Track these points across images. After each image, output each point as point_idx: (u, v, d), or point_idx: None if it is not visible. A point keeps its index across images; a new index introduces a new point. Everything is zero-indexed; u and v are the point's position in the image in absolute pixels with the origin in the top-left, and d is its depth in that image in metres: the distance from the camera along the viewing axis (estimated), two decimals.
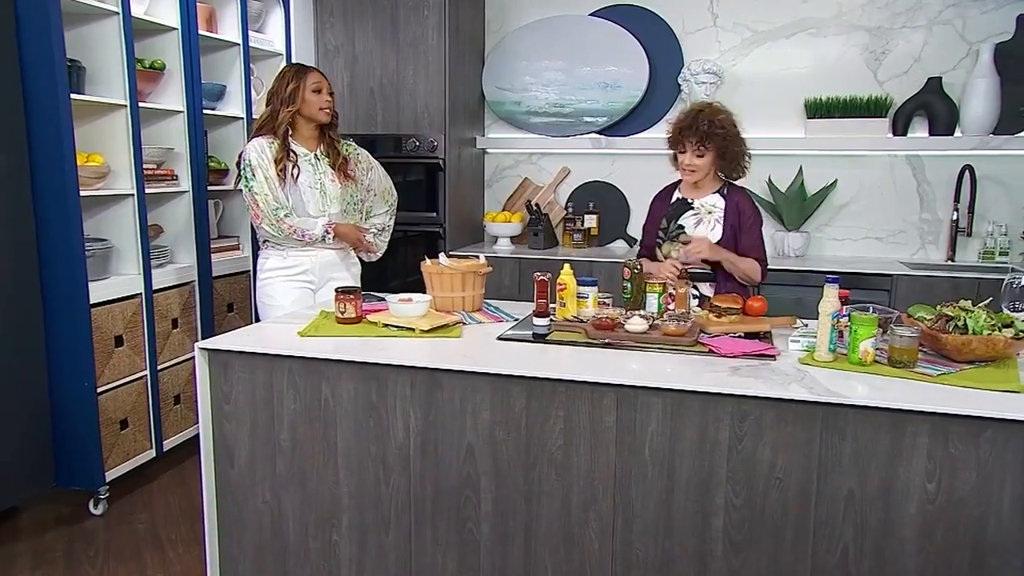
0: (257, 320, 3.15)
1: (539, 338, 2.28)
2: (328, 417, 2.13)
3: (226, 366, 2.21)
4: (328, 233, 2.93)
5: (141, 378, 3.22)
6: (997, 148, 3.85)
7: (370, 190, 3.12)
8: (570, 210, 4.52)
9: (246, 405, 2.21)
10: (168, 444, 3.38)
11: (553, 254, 4.22)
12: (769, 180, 4.20)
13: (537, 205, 4.40)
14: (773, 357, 2.02)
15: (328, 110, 2.94)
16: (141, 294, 3.18)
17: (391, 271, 4.36)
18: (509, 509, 2.02)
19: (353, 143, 3.14)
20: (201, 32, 3.47)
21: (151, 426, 3.27)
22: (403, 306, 2.38)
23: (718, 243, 2.71)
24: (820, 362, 1.97)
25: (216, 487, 2.27)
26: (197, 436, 3.50)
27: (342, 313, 2.43)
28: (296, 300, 2.94)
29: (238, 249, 3.86)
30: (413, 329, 2.32)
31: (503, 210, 4.66)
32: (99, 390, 2.99)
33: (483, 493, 2.03)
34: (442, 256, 2.70)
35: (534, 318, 2.36)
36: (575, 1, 4.43)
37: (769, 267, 3.77)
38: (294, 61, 4.07)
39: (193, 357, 3.47)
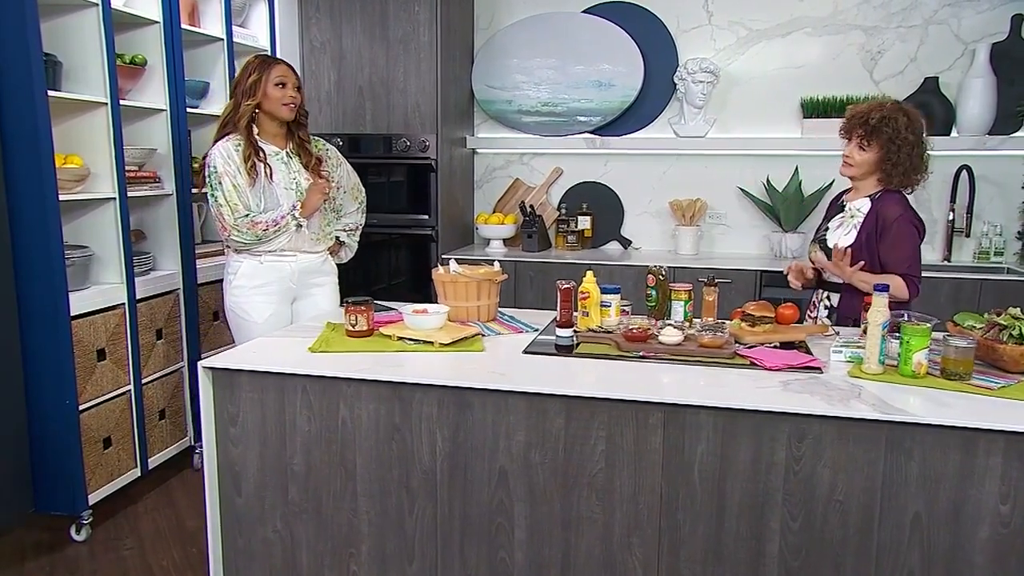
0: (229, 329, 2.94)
1: (563, 350, 2.16)
2: (346, 439, 1.99)
3: (232, 386, 2.04)
4: (295, 208, 2.71)
5: (125, 393, 3.01)
6: (993, 148, 3.83)
7: (339, 187, 2.95)
8: (563, 211, 4.41)
9: (254, 427, 2.05)
10: (153, 462, 3.18)
11: (547, 256, 4.11)
12: (767, 180, 4.14)
13: (531, 206, 4.28)
14: (820, 370, 1.93)
15: (292, 106, 2.72)
16: (124, 304, 2.98)
17: (376, 275, 4.21)
18: (545, 537, 1.89)
19: (321, 140, 2.97)
20: (184, 26, 3.27)
21: (136, 443, 3.07)
22: (419, 318, 2.24)
23: (849, 247, 2.49)
24: (870, 374, 1.88)
25: (221, 515, 2.11)
26: (183, 452, 3.38)
27: (353, 326, 2.28)
28: (272, 316, 2.75)
29: (223, 254, 3.63)
30: (432, 343, 2.18)
31: (494, 211, 4.52)
32: (81, 407, 2.78)
33: (517, 520, 1.90)
34: (452, 263, 2.56)
35: (557, 329, 2.24)
36: None
37: (766, 269, 3.75)
38: (278, 56, 3.88)
39: (179, 369, 3.35)
